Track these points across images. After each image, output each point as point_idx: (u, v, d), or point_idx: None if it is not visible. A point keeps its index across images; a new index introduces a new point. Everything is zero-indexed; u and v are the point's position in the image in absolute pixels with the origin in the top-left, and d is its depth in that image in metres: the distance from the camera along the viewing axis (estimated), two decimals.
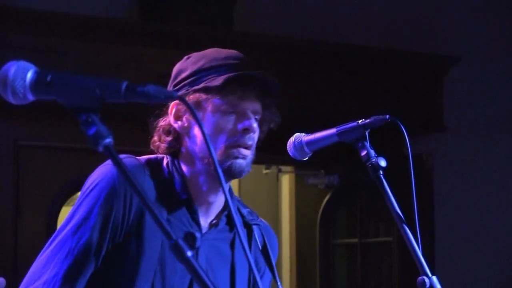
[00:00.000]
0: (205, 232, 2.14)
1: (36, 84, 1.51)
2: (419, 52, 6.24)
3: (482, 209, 6.64)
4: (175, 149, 2.16)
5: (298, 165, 6.61)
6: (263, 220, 2.31)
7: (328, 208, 6.55)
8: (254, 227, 2.25)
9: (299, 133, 2.24)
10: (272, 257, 2.26)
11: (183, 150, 2.15)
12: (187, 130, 2.14)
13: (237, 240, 2.18)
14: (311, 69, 5.77)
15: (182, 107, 2.13)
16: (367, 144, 2.13)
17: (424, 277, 2.00)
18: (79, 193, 2.08)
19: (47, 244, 2.06)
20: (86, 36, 5.11)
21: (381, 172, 2.09)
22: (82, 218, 2.03)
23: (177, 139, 2.16)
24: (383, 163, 2.09)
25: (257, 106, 2.13)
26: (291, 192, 6.93)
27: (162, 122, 2.17)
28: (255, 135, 2.13)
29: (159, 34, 5.31)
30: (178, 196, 2.11)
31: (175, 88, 2.15)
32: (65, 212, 5.11)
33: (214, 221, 2.16)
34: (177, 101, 2.12)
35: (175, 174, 2.13)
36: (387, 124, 2.14)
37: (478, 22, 6.75)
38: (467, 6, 6.72)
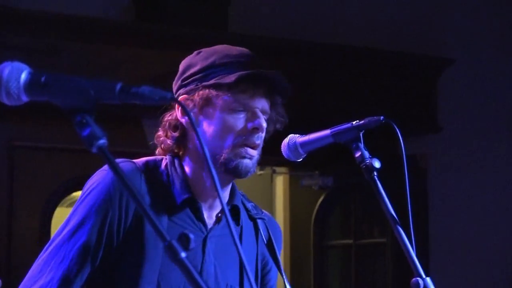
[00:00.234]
0: (211, 229, 2.13)
1: (30, 85, 1.51)
2: (414, 53, 6.25)
3: (476, 210, 6.65)
4: (181, 145, 2.13)
5: (292, 166, 6.62)
6: (266, 212, 2.31)
7: (322, 209, 6.55)
8: (259, 221, 2.25)
9: (293, 134, 2.24)
10: (277, 250, 2.26)
11: (190, 146, 2.13)
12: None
13: (243, 234, 2.18)
14: (306, 70, 5.78)
15: (189, 103, 2.10)
16: (361, 145, 2.13)
17: (418, 278, 2.00)
18: (73, 194, 2.08)
19: (44, 249, 2.06)
20: (83, 37, 5.12)
21: (375, 173, 2.09)
22: (78, 223, 2.03)
23: (183, 135, 2.13)
24: (377, 164, 2.09)
25: (266, 105, 2.12)
26: (285, 193, 6.93)
27: (168, 117, 2.15)
28: (263, 135, 2.12)
29: (155, 36, 5.31)
30: (179, 196, 2.09)
31: (184, 83, 2.13)
32: (59, 213, 5.10)
33: (219, 214, 2.15)
34: (184, 96, 2.10)
35: (175, 175, 2.11)
36: (382, 125, 2.14)
37: (473, 24, 6.76)
38: (462, 8, 6.74)
